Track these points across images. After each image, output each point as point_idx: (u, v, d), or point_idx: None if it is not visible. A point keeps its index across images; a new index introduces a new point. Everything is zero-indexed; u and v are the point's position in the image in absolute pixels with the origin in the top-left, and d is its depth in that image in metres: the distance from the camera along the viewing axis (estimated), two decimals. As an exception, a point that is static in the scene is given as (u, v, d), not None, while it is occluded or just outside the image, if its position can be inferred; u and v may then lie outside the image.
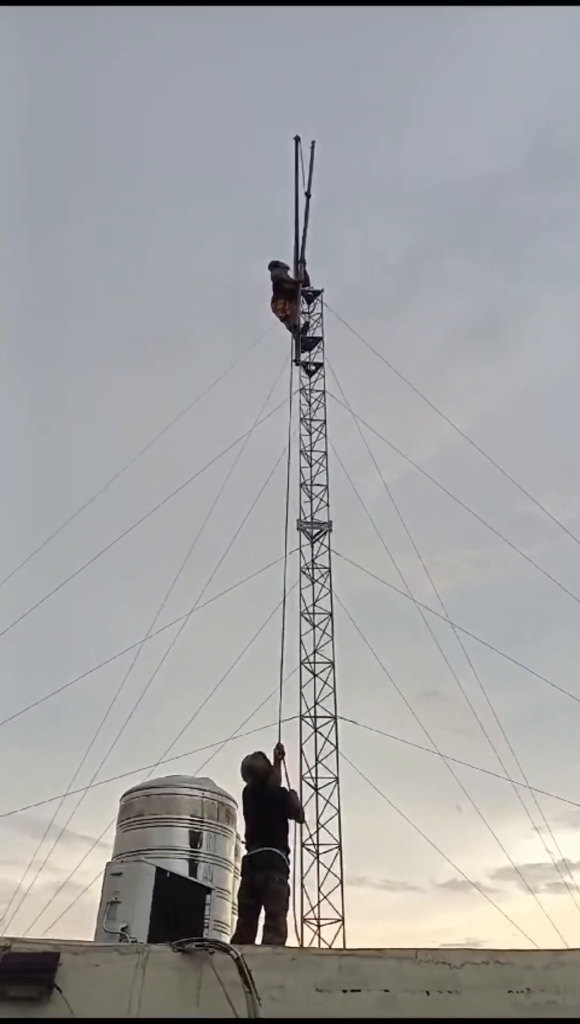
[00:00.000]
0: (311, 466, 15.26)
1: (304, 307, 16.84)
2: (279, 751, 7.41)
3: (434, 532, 19.09)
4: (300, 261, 16.91)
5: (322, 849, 12.16)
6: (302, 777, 12.46)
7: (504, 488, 15.07)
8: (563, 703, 12.51)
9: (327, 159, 18.28)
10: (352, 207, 33.26)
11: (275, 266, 16.84)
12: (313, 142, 17.46)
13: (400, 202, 34.78)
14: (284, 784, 7.28)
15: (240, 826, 8.01)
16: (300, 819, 7.52)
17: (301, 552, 14.27)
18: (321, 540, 14.54)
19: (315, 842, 12.20)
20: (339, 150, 33.45)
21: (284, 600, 10.82)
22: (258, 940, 6.25)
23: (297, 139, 17.43)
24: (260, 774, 7.13)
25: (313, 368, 16.39)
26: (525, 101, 36.55)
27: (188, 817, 8.35)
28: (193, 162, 36.00)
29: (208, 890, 7.47)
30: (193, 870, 7.99)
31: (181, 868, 7.78)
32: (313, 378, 16.31)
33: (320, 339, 16.62)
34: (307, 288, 17.02)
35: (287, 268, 16.90)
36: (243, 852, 7.01)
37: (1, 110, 29.03)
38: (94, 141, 34.77)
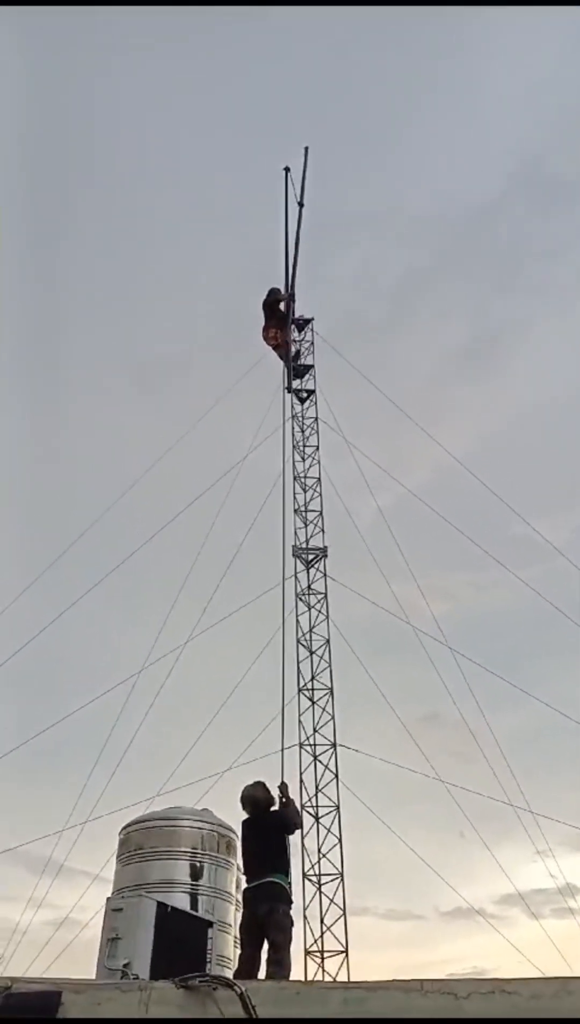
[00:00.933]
0: (305, 492, 15.34)
1: (295, 335, 17.01)
2: (283, 790, 7.29)
3: (430, 556, 19.13)
4: (291, 297, 17.04)
5: (324, 879, 12.03)
6: (303, 806, 12.36)
7: (500, 511, 15.17)
8: (563, 726, 12.49)
9: (320, 187, 18.55)
10: (345, 234, 33.72)
11: (272, 294, 16.98)
12: (306, 148, 17.70)
13: (393, 228, 35.36)
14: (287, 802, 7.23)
15: (240, 857, 7.93)
16: (297, 826, 7.44)
17: (297, 578, 14.30)
18: (317, 566, 14.56)
19: (317, 872, 12.07)
20: (332, 178, 33.99)
21: (283, 627, 10.82)
22: (261, 974, 6.17)
23: (287, 170, 17.69)
24: (261, 804, 7.07)
25: (305, 395, 16.52)
26: (514, 129, 37.28)
27: (188, 850, 8.25)
28: (190, 190, 36.57)
29: (210, 924, 7.37)
30: (194, 904, 7.88)
31: (182, 902, 7.67)
32: (305, 405, 16.44)
33: (311, 367, 16.78)
34: (298, 317, 17.19)
35: (288, 296, 17.05)
36: (244, 884, 6.93)
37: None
38: (92, 168, 35.34)
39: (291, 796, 7.29)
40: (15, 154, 29.67)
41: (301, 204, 17.26)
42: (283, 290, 17.05)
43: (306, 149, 17.71)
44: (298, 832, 8.29)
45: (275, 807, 7.13)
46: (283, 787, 7.34)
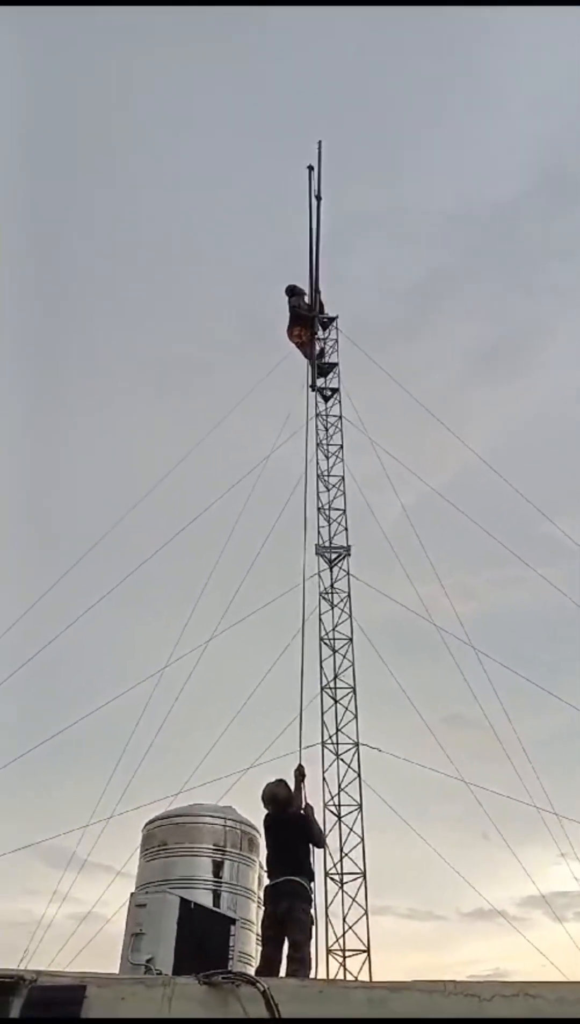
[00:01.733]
0: (329, 491, 15.31)
1: (319, 334, 17.00)
2: (300, 773, 7.32)
3: (455, 555, 19.04)
4: (316, 291, 17.13)
5: (346, 879, 12.02)
6: (326, 805, 12.37)
7: (522, 511, 15.04)
8: (587, 727, 12.36)
9: (342, 186, 18.59)
10: (366, 235, 33.66)
11: (293, 291, 17.06)
12: (319, 142, 17.96)
13: (413, 229, 35.19)
14: (304, 805, 7.21)
15: (262, 855, 7.95)
16: (320, 844, 7.41)
17: (320, 577, 14.29)
18: (340, 564, 14.53)
19: (339, 871, 12.06)
20: (353, 178, 34.00)
21: (303, 626, 10.82)
22: (282, 971, 6.18)
23: (310, 168, 17.74)
24: (281, 802, 7.07)
25: (329, 393, 16.51)
26: (535, 128, 37.01)
27: (211, 846, 8.30)
28: (210, 191, 36.65)
29: (232, 921, 7.41)
30: (217, 900, 7.94)
31: (205, 898, 7.73)
32: (329, 403, 16.42)
33: (335, 365, 16.76)
34: (322, 315, 17.20)
35: (304, 294, 17.11)
36: (266, 881, 6.95)
37: (10, 135, 29.57)
38: (112, 169, 35.54)
39: (310, 803, 7.25)
40: (31, 154, 29.97)
41: (318, 198, 17.43)
42: (308, 287, 17.10)
43: (320, 143, 17.95)
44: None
45: (293, 807, 7.11)
46: (299, 770, 7.35)
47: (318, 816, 7.79)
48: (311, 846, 6.92)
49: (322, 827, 8.39)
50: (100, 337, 33.26)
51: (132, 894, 6.82)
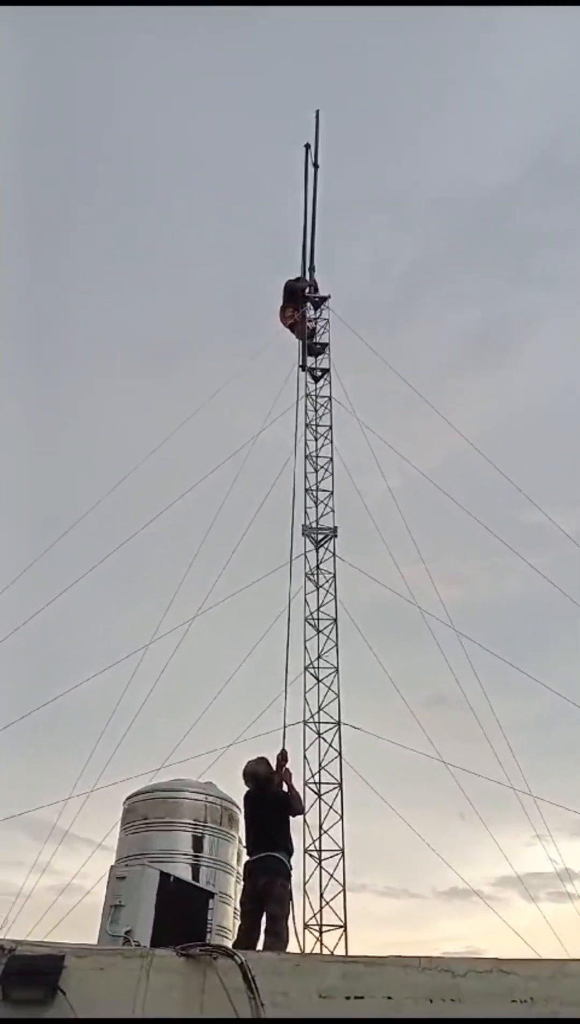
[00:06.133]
0: (317, 471, 15.29)
1: (311, 313, 16.90)
2: (282, 758, 7.37)
3: (441, 540, 19.12)
4: (310, 268, 17.04)
5: (325, 855, 12.16)
6: (306, 783, 12.47)
7: (510, 498, 15.11)
8: (569, 712, 12.49)
9: (335, 171, 18.46)
10: (358, 219, 33.46)
11: (301, 281, 16.98)
12: (317, 111, 17.96)
13: (407, 214, 35.04)
14: (286, 784, 7.26)
15: (242, 831, 8.01)
16: (298, 811, 7.47)
17: (306, 557, 14.31)
18: (326, 545, 14.56)
19: (318, 848, 12.19)
20: (347, 162, 33.62)
21: (289, 605, 10.84)
22: (260, 945, 6.25)
23: (307, 146, 17.58)
24: (261, 779, 7.12)
25: (319, 374, 16.44)
26: (531, 117, 36.86)
27: (191, 821, 8.35)
28: (200, 172, 36.31)
29: (211, 895, 7.47)
30: (196, 874, 7.99)
31: (184, 872, 7.78)
32: (319, 384, 16.36)
33: (327, 345, 16.68)
34: (314, 294, 17.10)
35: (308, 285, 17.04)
36: (245, 857, 7.01)
37: (2, 116, 29.14)
38: (100, 150, 35.02)
39: (289, 767, 7.32)
40: (20, 134, 29.45)
41: (316, 166, 17.37)
42: (300, 263, 17.04)
43: (317, 112, 17.93)
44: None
45: (275, 780, 7.17)
46: (282, 754, 7.40)
47: (299, 792, 7.84)
48: (290, 822, 6.99)
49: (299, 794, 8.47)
50: (91, 318, 32.95)
51: (112, 867, 6.86)
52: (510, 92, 35.89)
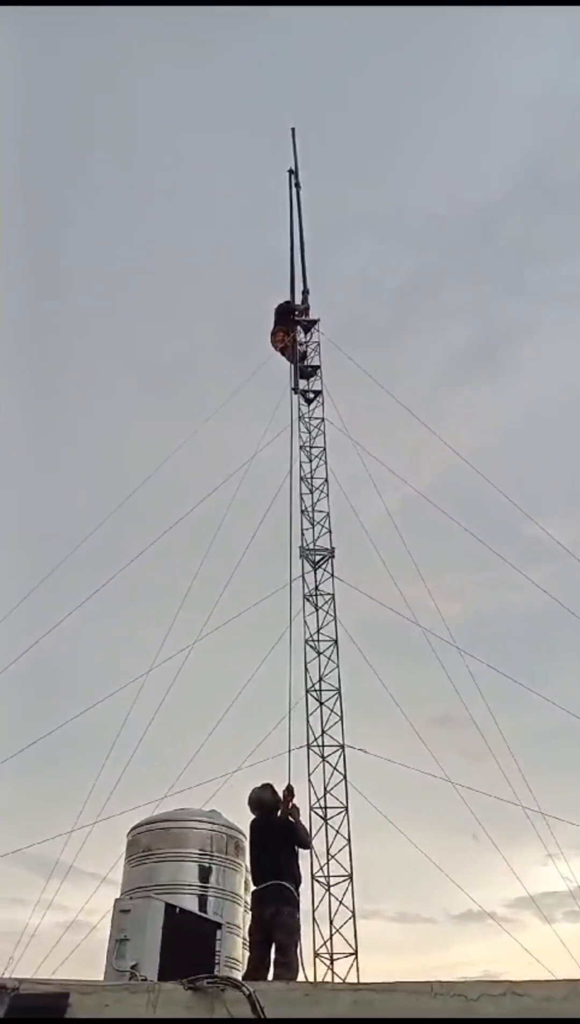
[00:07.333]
0: (312, 493, 15.30)
1: (301, 336, 17.01)
2: (289, 792, 7.20)
3: (439, 557, 19.08)
4: (305, 291, 17.19)
5: (333, 881, 11.98)
6: (311, 807, 12.33)
7: (506, 512, 15.10)
8: (575, 726, 12.39)
9: (325, 188, 18.68)
10: (349, 236, 33.76)
11: (287, 305, 17.11)
12: (293, 129, 18.23)
13: (397, 231, 35.39)
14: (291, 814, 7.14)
15: (249, 859, 7.90)
16: (306, 845, 7.33)
17: (304, 579, 14.26)
18: (324, 566, 14.52)
19: (326, 874, 12.02)
20: (337, 180, 34.09)
21: (290, 628, 10.80)
22: (270, 975, 6.14)
23: (291, 172, 17.80)
24: (267, 806, 7.02)
25: (312, 396, 16.51)
26: (519, 132, 37.33)
27: (197, 851, 8.25)
28: (195, 196, 36.68)
29: (218, 925, 7.36)
30: (203, 905, 7.88)
31: (191, 903, 7.67)
32: (312, 406, 16.43)
33: (318, 367, 16.76)
34: (304, 318, 17.22)
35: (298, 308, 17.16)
36: (252, 887, 6.89)
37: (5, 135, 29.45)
38: (96, 173, 35.45)
39: (296, 803, 7.17)
40: (17, 158, 29.78)
41: (298, 186, 17.59)
42: (289, 286, 17.17)
43: (293, 130, 18.25)
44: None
45: (280, 812, 7.05)
46: (288, 789, 7.28)
47: (304, 818, 7.73)
48: (297, 850, 6.87)
49: (309, 829, 8.33)
50: (88, 338, 33.22)
51: (116, 900, 6.75)
52: (499, 106, 36.45)
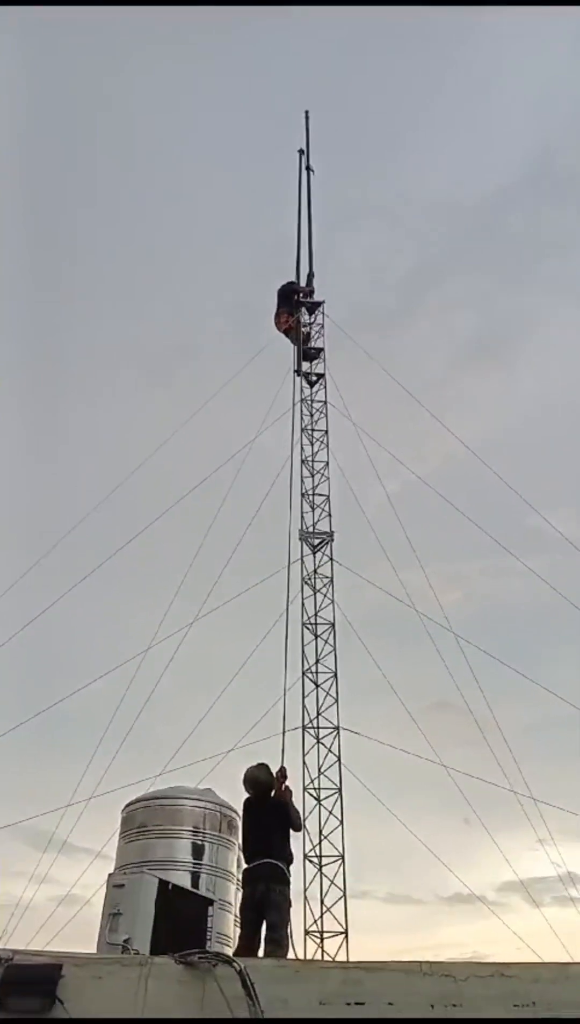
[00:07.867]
0: (313, 476, 15.27)
1: (306, 318, 16.91)
2: (282, 775, 7.26)
3: (439, 544, 19.06)
4: (310, 274, 17.09)
5: (325, 861, 12.09)
6: (305, 788, 12.41)
7: (508, 502, 15.03)
8: (571, 716, 12.44)
9: (332, 176, 18.52)
10: (356, 224, 33.46)
11: (293, 285, 17.01)
12: (306, 112, 18.09)
13: (404, 219, 35.04)
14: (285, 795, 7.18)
15: (241, 837, 7.96)
16: (297, 827, 7.40)
17: (303, 562, 14.26)
18: (323, 550, 14.53)
19: (318, 854, 12.13)
20: (344, 167, 33.78)
21: (287, 610, 10.81)
22: (260, 953, 6.20)
23: (301, 152, 17.62)
24: (262, 785, 7.07)
25: (314, 379, 16.43)
26: (527, 121, 36.91)
27: (190, 829, 8.32)
28: (199, 178, 36.28)
29: (210, 902, 7.43)
30: (195, 882, 7.96)
31: (183, 880, 7.75)
32: (314, 389, 16.35)
33: (321, 350, 16.67)
34: (308, 299, 17.11)
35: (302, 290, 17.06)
36: (244, 865, 6.95)
37: (8, 125, 29.23)
38: (100, 160, 35.11)
39: (290, 786, 7.22)
40: (21, 145, 29.55)
41: (309, 169, 17.42)
42: (295, 270, 17.06)
43: (307, 113, 18.10)
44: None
45: (274, 792, 7.09)
46: (281, 772, 7.32)
47: (297, 799, 7.77)
48: (290, 830, 6.92)
49: (301, 811, 8.38)
50: (91, 324, 33.07)
51: (110, 875, 6.82)
52: (506, 98, 36.14)
